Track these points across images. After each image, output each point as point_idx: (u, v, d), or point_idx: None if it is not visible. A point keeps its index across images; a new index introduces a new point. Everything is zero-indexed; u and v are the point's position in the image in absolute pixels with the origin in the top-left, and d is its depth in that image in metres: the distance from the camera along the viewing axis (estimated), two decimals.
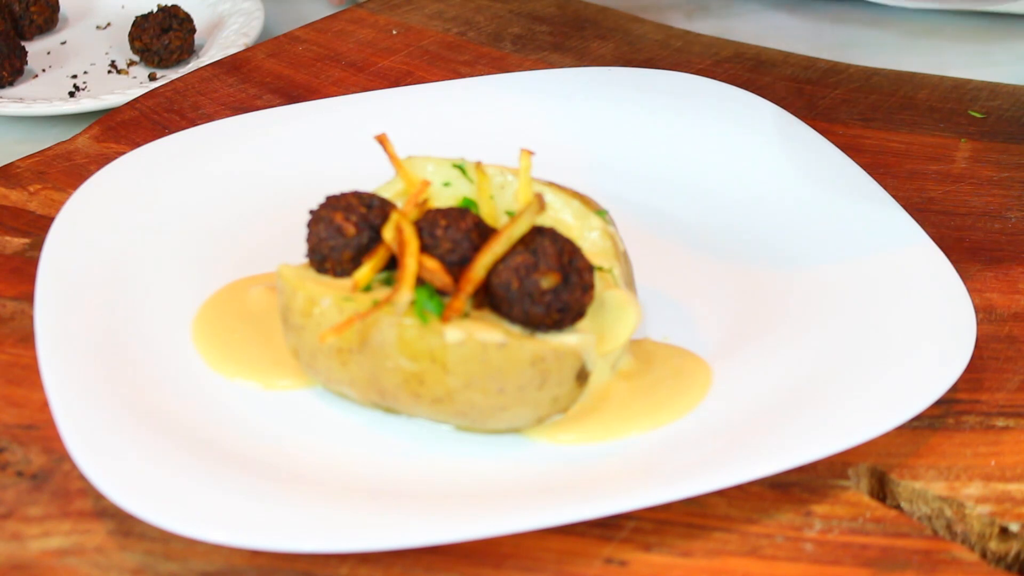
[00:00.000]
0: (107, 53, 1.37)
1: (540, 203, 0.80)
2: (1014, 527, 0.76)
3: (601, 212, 0.88)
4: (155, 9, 1.34)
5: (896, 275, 0.90)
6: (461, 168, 0.87)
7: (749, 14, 1.48)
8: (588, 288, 0.79)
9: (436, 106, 1.11)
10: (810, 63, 1.27)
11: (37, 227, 1.01)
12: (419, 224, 0.80)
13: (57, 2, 1.40)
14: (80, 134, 1.13)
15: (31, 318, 0.90)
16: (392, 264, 0.81)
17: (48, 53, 1.36)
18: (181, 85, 1.21)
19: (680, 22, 1.43)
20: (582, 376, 0.79)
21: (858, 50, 1.38)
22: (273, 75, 1.24)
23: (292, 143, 1.07)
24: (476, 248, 0.79)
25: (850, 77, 1.24)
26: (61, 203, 0.99)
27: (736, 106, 1.11)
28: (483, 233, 0.80)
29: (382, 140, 0.86)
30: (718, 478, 0.74)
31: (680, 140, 1.08)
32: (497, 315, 0.79)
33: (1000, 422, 0.83)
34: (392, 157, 0.86)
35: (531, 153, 0.85)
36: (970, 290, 0.90)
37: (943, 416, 0.84)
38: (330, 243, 0.81)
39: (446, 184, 0.88)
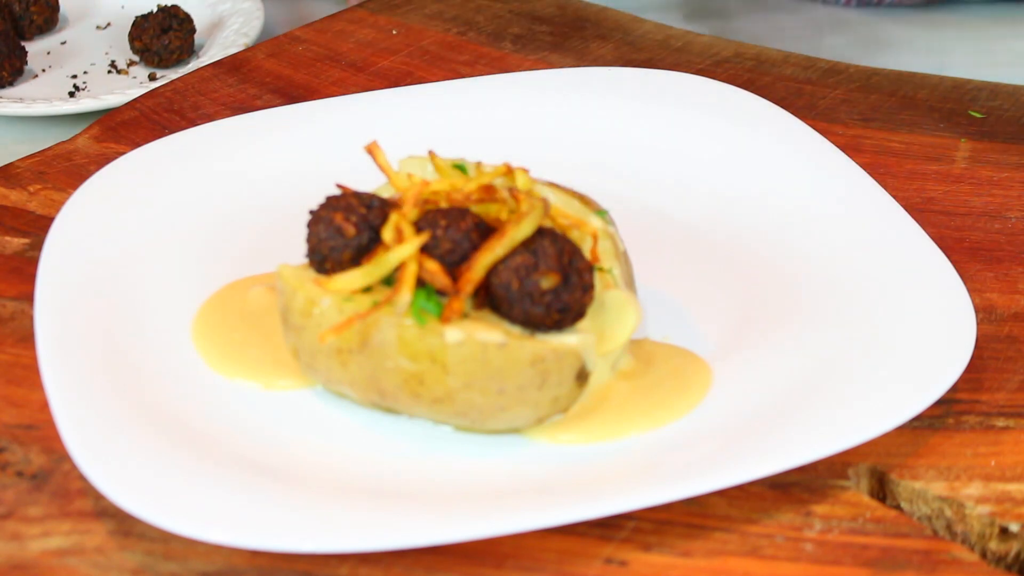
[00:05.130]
0: (107, 53, 1.37)
1: (545, 207, 0.80)
2: (1014, 527, 0.76)
3: (601, 212, 0.88)
4: (155, 9, 1.34)
5: (896, 275, 0.90)
6: (461, 168, 0.87)
7: (749, 14, 1.48)
8: (588, 288, 0.79)
9: (436, 106, 1.11)
10: (810, 63, 1.27)
11: (37, 227, 1.01)
12: (419, 224, 0.80)
13: (57, 2, 1.40)
14: (80, 134, 1.13)
15: (31, 318, 0.90)
16: None
17: (48, 53, 1.36)
18: (181, 85, 1.21)
19: (680, 22, 1.43)
20: (582, 376, 0.79)
21: (858, 50, 1.38)
22: (273, 75, 1.24)
23: (292, 143, 1.07)
24: (476, 248, 0.79)
25: (850, 77, 1.24)
26: (61, 203, 0.99)
27: (736, 106, 1.11)
28: (483, 233, 0.80)
29: (371, 150, 0.85)
30: (718, 478, 0.74)
31: (680, 140, 1.08)
32: (497, 315, 0.79)
33: (1000, 422, 0.83)
34: (382, 167, 0.86)
35: (525, 170, 0.85)
36: (970, 290, 0.90)
37: (943, 416, 0.84)
38: (330, 243, 0.81)
39: None
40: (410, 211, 0.80)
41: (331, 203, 0.82)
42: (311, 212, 0.83)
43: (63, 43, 1.39)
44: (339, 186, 0.85)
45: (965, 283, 0.89)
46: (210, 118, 1.14)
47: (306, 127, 1.09)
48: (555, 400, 0.79)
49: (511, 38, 1.32)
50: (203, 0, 1.43)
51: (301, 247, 0.85)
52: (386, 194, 0.87)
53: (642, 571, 0.73)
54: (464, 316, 0.78)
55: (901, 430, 0.82)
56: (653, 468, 0.77)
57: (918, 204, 1.04)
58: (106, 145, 1.11)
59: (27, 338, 0.89)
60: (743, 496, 0.78)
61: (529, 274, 0.77)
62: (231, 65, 1.25)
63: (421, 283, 0.78)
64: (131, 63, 1.35)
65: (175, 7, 1.34)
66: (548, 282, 0.77)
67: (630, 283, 0.88)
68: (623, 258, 0.87)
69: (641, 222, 0.98)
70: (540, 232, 0.79)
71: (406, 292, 0.77)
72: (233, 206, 1.01)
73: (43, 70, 1.33)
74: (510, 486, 0.77)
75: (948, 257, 0.92)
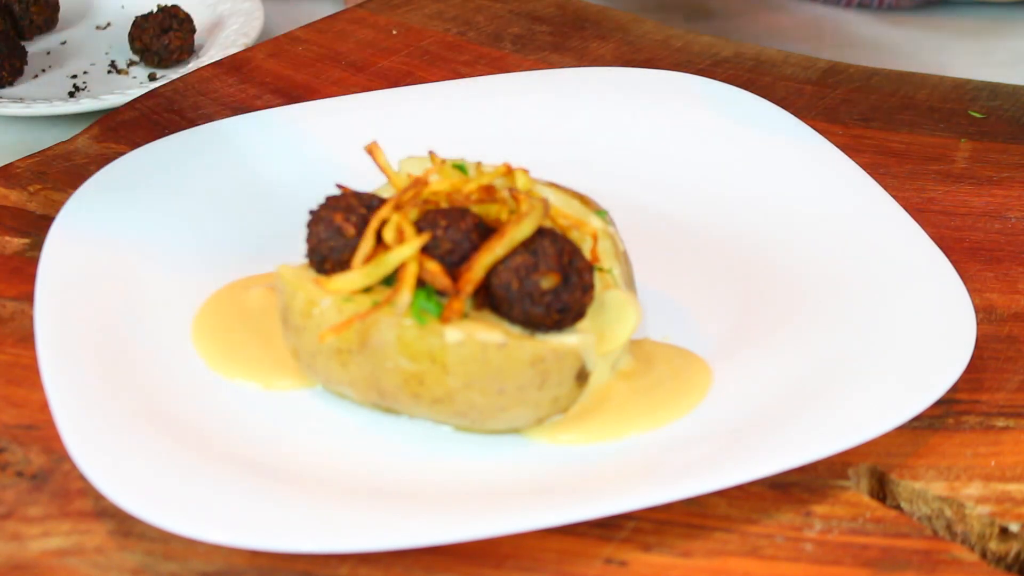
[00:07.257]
0: (107, 53, 1.37)
1: (545, 207, 0.80)
2: (1014, 527, 0.76)
3: (601, 212, 0.88)
4: (155, 9, 1.34)
5: (896, 275, 0.90)
6: (461, 168, 0.87)
7: (749, 14, 1.48)
8: (588, 288, 0.79)
9: (436, 106, 1.11)
10: (810, 63, 1.27)
11: (37, 227, 1.00)
12: (419, 224, 0.80)
13: (57, 2, 1.40)
14: (80, 134, 1.13)
15: (31, 318, 0.90)
16: None
17: (48, 53, 1.36)
18: (181, 85, 1.21)
19: (680, 22, 1.43)
20: (582, 376, 0.79)
21: (858, 50, 1.38)
22: (273, 75, 1.24)
23: (292, 143, 1.07)
24: (476, 249, 0.79)
25: (850, 77, 1.24)
26: (61, 203, 0.99)
27: (736, 106, 1.11)
28: (483, 233, 0.80)
29: (371, 150, 0.85)
30: (718, 478, 0.74)
31: (680, 140, 1.08)
32: (497, 315, 0.79)
33: (1000, 422, 0.83)
34: (382, 167, 0.86)
35: (525, 170, 0.85)
36: (970, 290, 0.90)
37: (943, 416, 0.84)
38: (330, 243, 0.81)
39: None
40: (410, 211, 0.80)
41: (331, 203, 0.82)
42: (311, 212, 0.83)
43: (63, 43, 1.39)
44: (339, 186, 0.85)
45: (965, 283, 0.89)
46: (210, 118, 1.14)
47: (306, 127, 1.09)
48: (555, 400, 0.79)
49: (511, 38, 1.32)
50: (203, 0, 1.43)
51: (301, 247, 0.85)
52: (386, 194, 0.87)
53: (642, 571, 0.73)
54: (464, 316, 0.78)
55: (901, 430, 0.82)
56: (653, 468, 0.77)
57: (918, 204, 1.04)
58: (106, 145, 1.11)
59: (27, 338, 0.89)
60: (743, 496, 0.78)
61: (529, 274, 0.77)
62: (231, 65, 1.25)
63: (421, 283, 0.78)
64: (131, 63, 1.35)
65: (175, 7, 1.34)
66: (548, 282, 0.77)
67: (630, 283, 0.88)
68: (623, 258, 0.87)
69: (641, 222, 0.98)
70: (540, 232, 0.79)
71: (406, 292, 0.77)
72: (233, 206, 1.01)
73: (43, 70, 1.33)
74: (510, 486, 0.77)
75: (948, 257, 0.92)
